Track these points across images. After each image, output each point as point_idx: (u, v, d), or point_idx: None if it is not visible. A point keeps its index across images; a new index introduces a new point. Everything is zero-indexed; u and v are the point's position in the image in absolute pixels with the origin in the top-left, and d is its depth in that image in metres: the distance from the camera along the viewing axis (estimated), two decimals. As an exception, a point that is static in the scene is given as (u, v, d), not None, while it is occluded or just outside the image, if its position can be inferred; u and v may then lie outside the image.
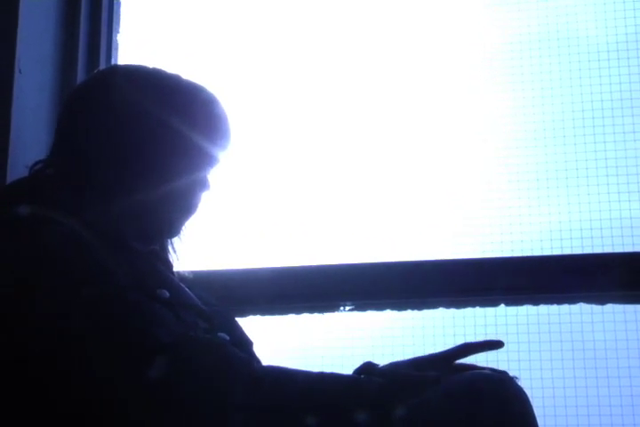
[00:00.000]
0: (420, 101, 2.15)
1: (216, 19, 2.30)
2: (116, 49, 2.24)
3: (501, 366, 1.61)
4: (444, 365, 1.51)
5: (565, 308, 1.93)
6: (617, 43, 2.07)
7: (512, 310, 1.95)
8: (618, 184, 2.00)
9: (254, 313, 2.01)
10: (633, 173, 2.00)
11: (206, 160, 1.55)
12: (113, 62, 2.21)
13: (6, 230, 1.33)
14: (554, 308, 1.94)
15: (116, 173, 1.48)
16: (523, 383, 1.37)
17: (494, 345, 1.56)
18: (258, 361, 1.54)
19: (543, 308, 1.94)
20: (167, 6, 2.34)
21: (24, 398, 1.24)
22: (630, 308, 1.92)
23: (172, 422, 1.21)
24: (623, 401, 1.86)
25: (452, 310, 1.97)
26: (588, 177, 2.01)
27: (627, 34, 2.07)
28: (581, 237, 1.97)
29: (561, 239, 1.98)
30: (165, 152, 1.50)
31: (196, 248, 1.71)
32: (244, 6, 2.30)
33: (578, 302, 1.93)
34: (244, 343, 1.55)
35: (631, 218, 1.96)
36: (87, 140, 1.50)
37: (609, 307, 1.92)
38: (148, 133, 1.49)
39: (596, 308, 1.93)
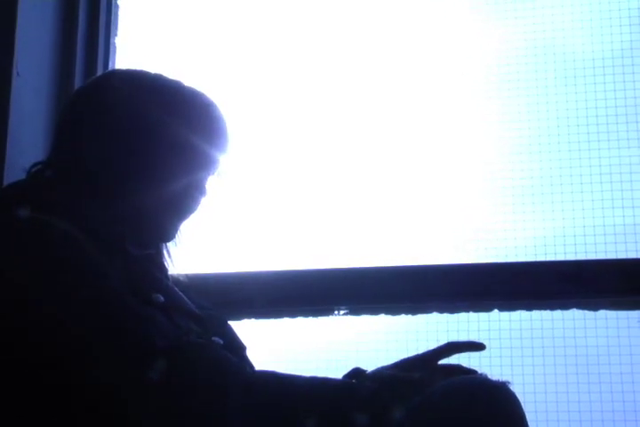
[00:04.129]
0: (419, 110, 2.16)
1: (215, 22, 2.30)
2: (114, 52, 2.24)
3: (494, 371, 1.63)
4: (428, 364, 1.54)
5: (558, 314, 1.94)
6: (609, 59, 2.09)
7: (505, 315, 1.96)
8: (612, 191, 2.01)
9: (249, 316, 2.01)
10: (627, 179, 2.01)
11: (204, 163, 1.55)
12: (110, 65, 2.21)
13: (4, 233, 1.33)
14: (547, 313, 1.94)
15: (114, 175, 1.48)
16: (515, 388, 1.39)
17: (477, 347, 1.60)
18: (250, 366, 1.54)
19: (536, 313, 1.95)
20: (166, 10, 2.35)
21: (24, 397, 1.25)
22: (623, 314, 1.93)
23: (170, 425, 1.22)
24: (615, 407, 1.87)
25: (446, 315, 1.97)
26: (582, 184, 2.02)
27: (621, 49, 2.09)
28: (575, 244, 1.98)
29: (554, 246, 1.99)
30: (164, 154, 1.50)
31: (192, 251, 1.71)
32: (244, 10, 2.30)
33: (571, 307, 1.94)
34: (237, 348, 1.55)
35: (624, 225, 1.97)
36: (86, 142, 1.50)
37: (602, 313, 1.93)
38: (148, 136, 1.50)
39: (589, 314, 1.94)
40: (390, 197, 2.10)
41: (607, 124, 2.05)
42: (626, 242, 1.96)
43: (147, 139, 1.50)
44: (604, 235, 1.97)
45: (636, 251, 1.96)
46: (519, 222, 2.03)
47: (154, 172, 1.50)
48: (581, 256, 1.97)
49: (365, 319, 1.99)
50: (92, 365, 1.22)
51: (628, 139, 2.04)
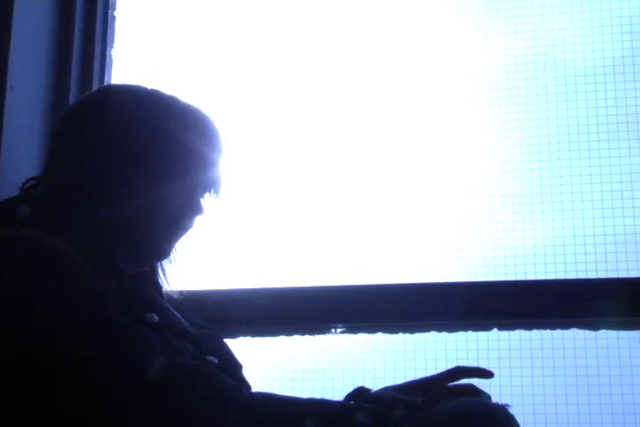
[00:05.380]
0: (414, 122, 2.15)
1: (212, 33, 2.30)
2: (110, 65, 2.23)
3: (493, 391, 1.61)
4: (435, 388, 1.52)
5: (558, 333, 1.93)
6: (608, 66, 2.08)
7: (505, 334, 1.94)
8: (613, 208, 2.00)
9: (245, 334, 1.99)
10: (628, 197, 2.00)
11: (202, 173, 1.54)
12: (106, 78, 2.20)
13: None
14: (547, 333, 1.93)
15: (110, 189, 1.47)
16: (514, 408, 1.38)
17: (484, 374, 1.57)
18: (247, 385, 1.53)
19: (536, 333, 1.93)
20: (163, 21, 2.34)
21: (23, 399, 1.24)
22: (623, 334, 1.92)
23: None
24: (615, 428, 1.86)
25: (445, 334, 1.96)
26: (583, 201, 2.01)
27: (622, 56, 2.08)
28: (575, 262, 1.97)
29: (555, 264, 1.97)
30: (162, 165, 1.50)
31: (188, 268, 1.70)
32: (241, 21, 2.30)
33: (571, 327, 1.92)
34: (232, 367, 1.54)
35: (626, 243, 1.96)
36: (82, 157, 1.49)
37: (602, 333, 1.92)
38: (144, 148, 1.49)
39: (590, 333, 1.92)
40: (388, 214, 2.09)
41: (608, 132, 2.04)
42: (627, 260, 1.95)
43: (143, 151, 1.49)
44: (605, 253, 1.96)
45: (637, 269, 1.95)
46: (519, 240, 2.01)
47: (150, 184, 1.49)
48: (582, 274, 1.96)
49: (363, 338, 1.97)
50: (86, 379, 1.21)
51: (629, 147, 2.03)
